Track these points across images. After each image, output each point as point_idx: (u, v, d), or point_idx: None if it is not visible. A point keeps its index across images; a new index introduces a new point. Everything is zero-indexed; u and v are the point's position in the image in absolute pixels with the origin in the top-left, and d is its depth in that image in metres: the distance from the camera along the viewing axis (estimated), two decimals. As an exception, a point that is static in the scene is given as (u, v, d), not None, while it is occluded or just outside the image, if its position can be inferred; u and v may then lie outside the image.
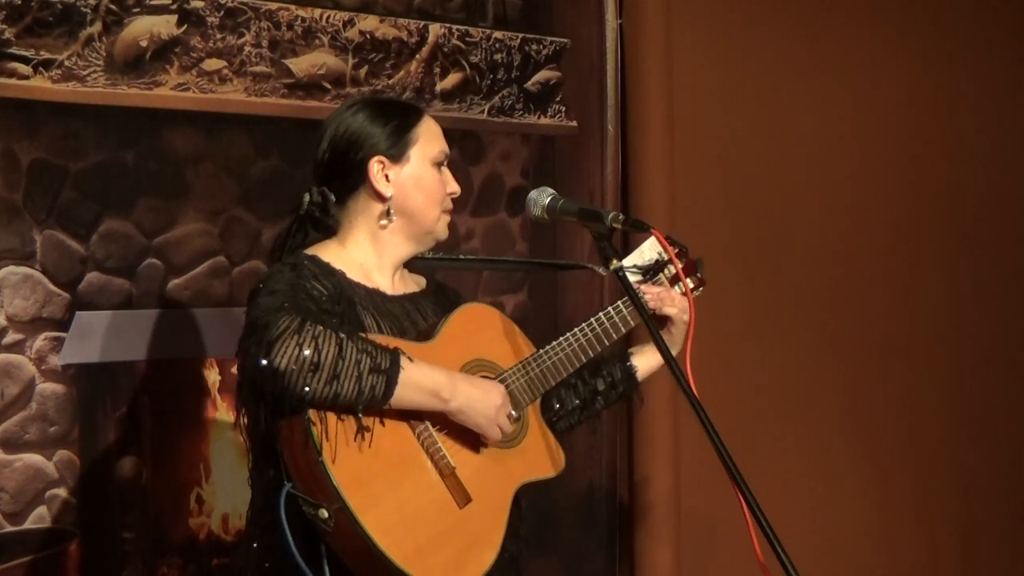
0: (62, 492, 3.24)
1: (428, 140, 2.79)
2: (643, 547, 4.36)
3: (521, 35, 4.13)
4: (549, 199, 2.79)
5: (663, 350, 2.63)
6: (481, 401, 2.67)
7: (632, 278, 2.89)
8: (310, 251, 2.76)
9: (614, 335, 2.89)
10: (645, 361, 3.03)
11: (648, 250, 2.96)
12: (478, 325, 2.83)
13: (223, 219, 3.51)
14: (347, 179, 2.77)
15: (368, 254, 2.78)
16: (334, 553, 2.57)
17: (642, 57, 4.35)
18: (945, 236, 5.12)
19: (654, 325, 2.67)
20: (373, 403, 2.55)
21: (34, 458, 3.20)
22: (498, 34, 4.07)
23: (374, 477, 2.57)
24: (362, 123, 2.77)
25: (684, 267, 2.96)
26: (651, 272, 2.95)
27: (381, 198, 2.76)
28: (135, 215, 3.36)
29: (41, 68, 3.20)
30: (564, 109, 4.24)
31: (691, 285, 2.97)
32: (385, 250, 2.79)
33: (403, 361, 2.57)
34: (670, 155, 4.37)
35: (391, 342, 2.62)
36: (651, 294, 2.91)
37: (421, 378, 2.60)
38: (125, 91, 3.32)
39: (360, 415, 2.55)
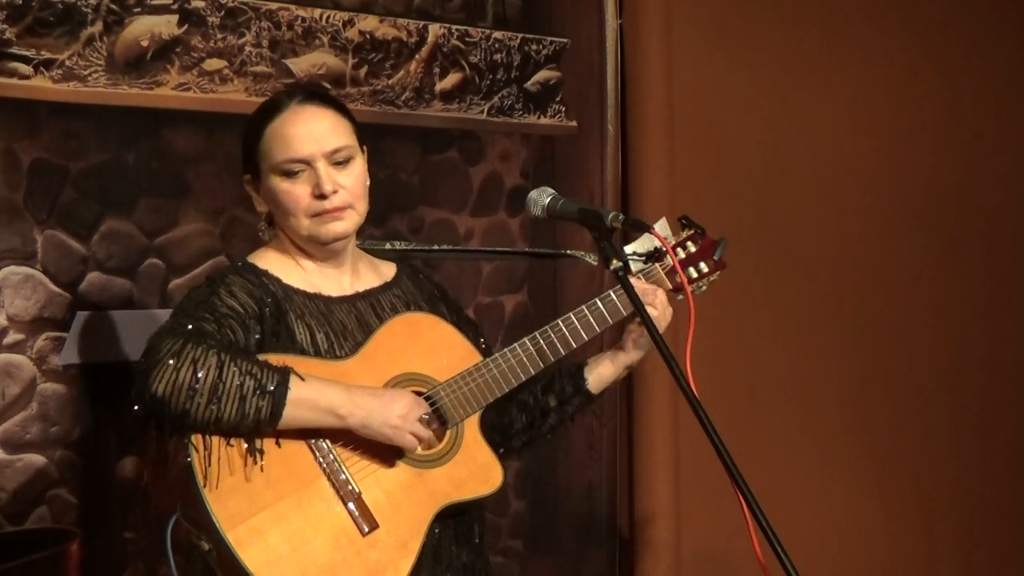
0: (63, 492, 3.24)
1: (272, 150, 2.67)
2: (643, 547, 4.37)
3: (521, 35, 4.14)
4: (549, 199, 2.76)
5: (663, 351, 2.61)
6: (383, 411, 2.56)
7: (633, 266, 2.84)
8: (252, 256, 2.74)
9: (562, 350, 2.78)
10: (599, 374, 2.89)
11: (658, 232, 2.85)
12: (412, 336, 2.73)
13: (224, 219, 3.51)
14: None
15: (300, 259, 2.73)
16: None
17: (642, 57, 4.35)
18: (947, 235, 5.12)
19: (655, 328, 2.63)
20: (260, 426, 2.49)
21: (35, 458, 3.20)
22: (498, 34, 4.07)
23: (262, 507, 2.50)
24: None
25: (702, 248, 2.91)
26: (650, 259, 2.88)
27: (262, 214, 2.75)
28: (136, 215, 3.36)
29: (42, 68, 3.20)
30: (564, 109, 4.25)
31: (695, 275, 2.90)
32: (303, 256, 2.73)
33: (292, 380, 2.50)
34: (670, 155, 4.37)
35: (290, 361, 2.54)
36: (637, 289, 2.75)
37: (314, 396, 2.52)
38: (126, 91, 3.33)
39: (249, 439, 2.49)
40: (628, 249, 2.89)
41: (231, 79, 3.51)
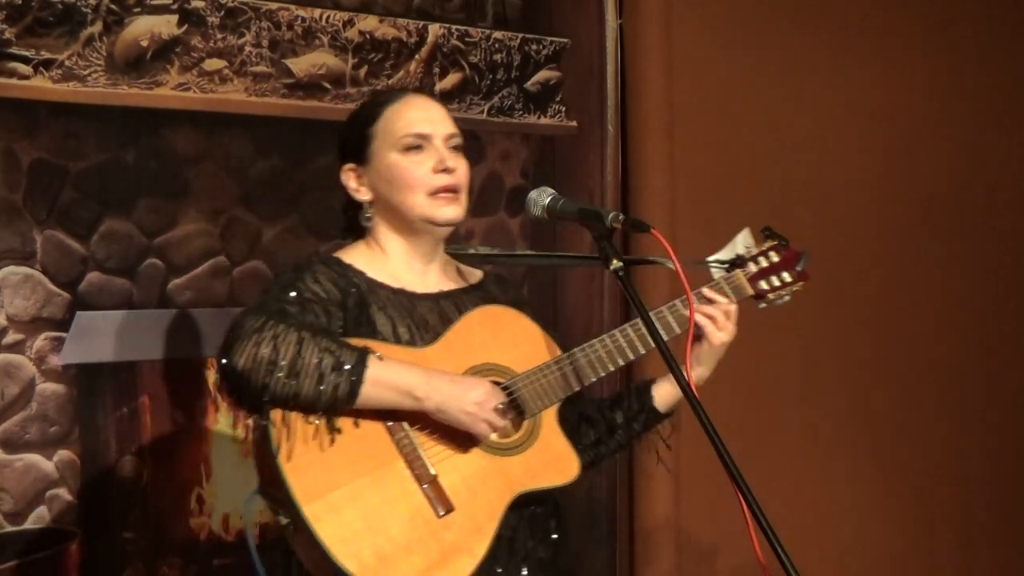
0: (62, 492, 3.24)
1: (393, 127, 2.71)
2: (643, 547, 4.37)
3: (521, 35, 4.14)
4: (549, 199, 2.76)
5: (663, 351, 2.61)
6: (460, 397, 2.57)
7: (715, 273, 2.87)
8: (338, 252, 2.75)
9: (642, 348, 2.76)
10: (665, 392, 2.88)
11: (740, 243, 2.90)
12: (493, 328, 2.74)
13: (223, 219, 3.51)
14: (344, 189, 2.77)
15: (389, 253, 2.74)
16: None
17: (642, 57, 4.35)
18: (947, 235, 5.12)
19: (657, 331, 2.63)
20: (337, 403, 2.50)
21: (34, 458, 3.20)
22: (498, 34, 4.07)
23: (339, 484, 2.51)
24: (340, 132, 2.79)
25: (785, 258, 2.93)
26: (733, 266, 2.89)
27: (364, 204, 2.75)
28: (135, 215, 3.36)
29: (41, 68, 3.20)
30: (564, 109, 4.25)
31: (777, 283, 2.92)
32: (394, 249, 2.74)
33: (370, 360, 2.51)
34: (670, 155, 4.37)
35: (370, 344, 2.56)
36: (701, 312, 2.80)
37: (392, 377, 2.53)
38: (125, 91, 3.33)
39: (327, 416, 2.51)
40: (711, 257, 2.90)
41: (231, 79, 3.51)
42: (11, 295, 3.17)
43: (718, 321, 2.82)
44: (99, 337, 3.30)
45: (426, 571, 2.53)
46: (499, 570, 2.64)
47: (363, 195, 2.75)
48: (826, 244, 4.82)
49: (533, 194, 2.79)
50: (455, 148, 2.74)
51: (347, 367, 2.49)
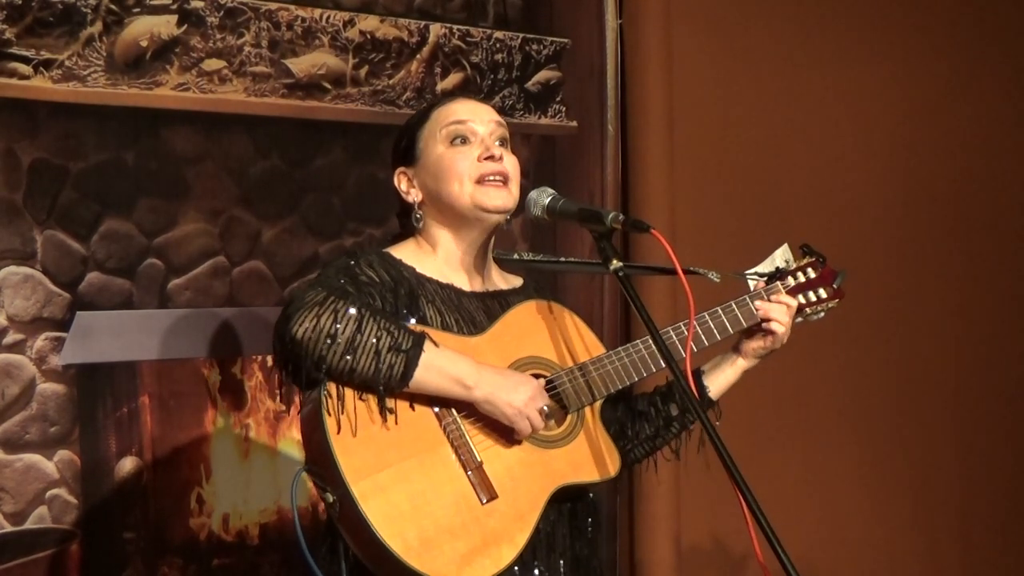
0: (63, 492, 3.24)
1: (439, 121, 2.76)
2: (643, 546, 4.36)
3: (521, 35, 4.14)
4: (549, 199, 2.76)
5: (663, 351, 2.62)
6: (508, 392, 2.60)
7: (752, 284, 2.91)
8: (387, 248, 2.77)
9: (683, 350, 2.76)
10: (719, 378, 2.93)
11: (779, 257, 2.96)
12: (539, 323, 2.78)
13: (223, 219, 3.51)
14: (398, 196, 2.81)
15: (439, 251, 2.77)
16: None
17: (642, 57, 4.35)
18: (945, 235, 5.12)
19: (658, 334, 2.64)
20: (391, 383, 2.53)
21: (35, 458, 3.20)
22: (498, 34, 4.07)
23: (387, 464, 2.54)
24: (393, 142, 2.83)
25: (822, 275, 2.98)
26: (772, 279, 2.93)
27: (415, 204, 2.78)
28: (135, 215, 3.36)
29: (41, 68, 3.20)
30: (564, 109, 4.24)
31: (814, 299, 2.98)
32: (444, 247, 2.76)
33: (426, 344, 2.55)
34: (670, 155, 4.37)
35: (425, 330, 2.59)
36: (763, 305, 2.89)
37: (444, 363, 2.57)
38: (125, 91, 3.33)
39: (380, 396, 2.54)
40: (751, 270, 2.94)
41: (230, 79, 3.51)
42: (11, 295, 3.17)
43: (784, 326, 2.91)
44: (99, 337, 3.30)
45: (468, 556, 2.55)
46: (537, 563, 2.67)
47: (413, 196, 2.77)
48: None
49: (533, 194, 2.79)
50: (502, 143, 2.78)
51: (404, 348, 2.53)
